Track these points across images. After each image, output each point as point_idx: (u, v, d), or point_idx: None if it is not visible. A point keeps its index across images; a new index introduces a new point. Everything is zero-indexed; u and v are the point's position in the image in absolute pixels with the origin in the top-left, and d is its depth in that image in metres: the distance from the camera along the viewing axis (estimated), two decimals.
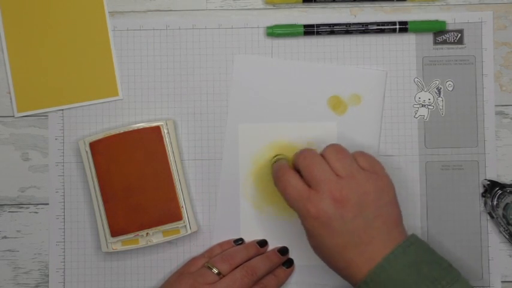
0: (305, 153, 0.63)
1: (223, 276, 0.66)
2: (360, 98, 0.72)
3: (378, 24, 0.72)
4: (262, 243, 0.71)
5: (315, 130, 0.72)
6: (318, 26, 0.72)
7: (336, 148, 0.63)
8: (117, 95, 0.73)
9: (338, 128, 0.72)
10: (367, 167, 0.62)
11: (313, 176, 0.61)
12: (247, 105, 0.72)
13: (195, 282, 0.66)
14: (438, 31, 0.72)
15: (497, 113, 0.72)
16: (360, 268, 0.59)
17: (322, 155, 0.63)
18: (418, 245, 0.60)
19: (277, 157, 0.71)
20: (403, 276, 0.58)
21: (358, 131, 0.72)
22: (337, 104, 0.72)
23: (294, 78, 0.72)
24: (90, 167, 0.70)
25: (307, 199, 0.61)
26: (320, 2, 0.72)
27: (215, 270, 0.67)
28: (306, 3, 0.72)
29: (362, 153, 0.64)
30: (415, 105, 0.72)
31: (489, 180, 0.71)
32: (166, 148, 0.71)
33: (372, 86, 0.72)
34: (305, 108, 0.72)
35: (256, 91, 0.72)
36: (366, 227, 0.60)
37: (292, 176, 0.63)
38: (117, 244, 0.70)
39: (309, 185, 0.62)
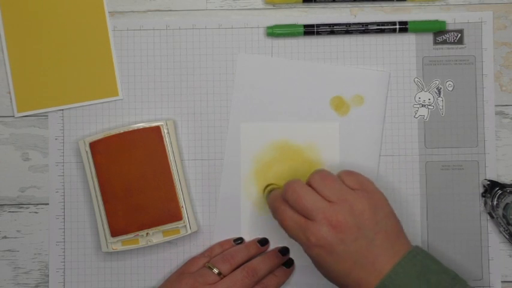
0: (293, 186, 0.62)
1: (224, 276, 0.67)
2: (362, 99, 0.72)
3: (378, 24, 0.72)
4: (263, 242, 0.71)
5: (317, 130, 0.72)
6: (318, 26, 0.72)
7: (320, 175, 0.62)
8: (117, 95, 0.73)
9: (340, 128, 0.72)
10: (356, 186, 0.62)
11: (305, 208, 0.60)
12: (249, 104, 0.72)
13: (196, 282, 0.66)
14: (438, 31, 0.72)
15: (497, 113, 0.72)
16: (371, 284, 0.59)
17: (308, 184, 0.62)
18: (424, 255, 0.60)
19: (269, 187, 0.71)
20: (412, 286, 0.58)
21: (360, 132, 0.72)
22: (339, 105, 0.72)
23: (297, 78, 0.72)
24: (90, 167, 0.70)
25: (305, 229, 0.60)
26: (320, 2, 0.72)
27: (216, 271, 0.67)
28: (306, 3, 0.72)
29: (348, 173, 0.63)
30: (415, 105, 0.72)
31: (489, 180, 0.71)
32: (166, 148, 0.71)
33: (374, 87, 0.72)
34: (308, 108, 0.72)
35: (259, 90, 0.72)
36: (368, 246, 0.59)
37: (287, 207, 0.62)
38: (117, 244, 0.70)
39: (304, 216, 0.61)
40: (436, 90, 0.72)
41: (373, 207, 0.61)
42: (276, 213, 0.64)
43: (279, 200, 0.64)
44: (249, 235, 0.72)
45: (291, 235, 0.62)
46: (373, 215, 0.60)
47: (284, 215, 0.62)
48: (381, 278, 0.58)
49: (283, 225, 0.63)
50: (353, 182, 0.62)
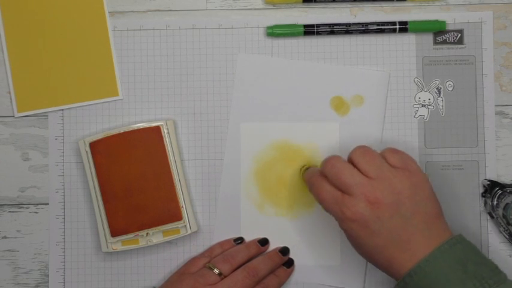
0: (332, 161, 0.62)
1: (225, 276, 0.67)
2: (362, 99, 0.72)
3: (378, 24, 0.72)
4: (263, 242, 0.71)
5: (317, 130, 0.72)
6: (318, 26, 0.72)
7: (362, 150, 0.62)
8: (117, 95, 0.73)
9: (340, 128, 0.72)
10: (399, 164, 0.61)
11: (343, 183, 0.60)
12: (249, 104, 0.72)
13: (196, 282, 0.66)
14: (438, 31, 0.72)
15: (497, 113, 0.72)
16: (403, 264, 0.59)
17: (349, 159, 0.62)
18: (465, 244, 0.59)
19: (306, 166, 0.71)
20: (448, 272, 0.57)
21: (360, 132, 0.72)
22: (339, 105, 0.72)
23: (297, 78, 0.72)
24: (90, 167, 0.70)
25: (341, 203, 0.60)
26: (320, 2, 0.72)
27: (216, 271, 0.67)
28: (306, 3, 0.72)
29: (392, 151, 0.63)
30: (415, 105, 0.72)
31: (489, 180, 0.71)
32: (166, 148, 0.71)
33: (374, 87, 0.72)
34: (308, 108, 0.72)
35: (259, 90, 0.72)
36: (404, 225, 0.59)
37: (324, 181, 0.62)
38: (117, 244, 0.70)
39: (341, 191, 0.61)
40: (436, 90, 0.72)
41: (413, 187, 0.60)
42: (312, 187, 0.64)
43: (317, 175, 0.63)
44: (249, 235, 0.72)
45: (327, 208, 0.62)
46: (413, 195, 0.60)
47: (321, 189, 0.62)
48: (418, 261, 0.58)
49: (319, 198, 0.62)
50: (396, 161, 0.62)
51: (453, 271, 0.57)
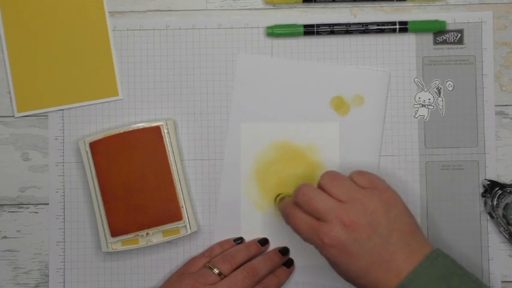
0: (303, 189, 0.62)
1: (225, 276, 0.67)
2: (362, 99, 0.72)
3: (377, 24, 0.72)
4: (263, 242, 0.71)
5: (317, 130, 0.72)
6: (318, 26, 0.72)
7: (330, 176, 0.62)
8: (117, 95, 0.73)
9: (340, 128, 0.72)
10: (367, 184, 0.62)
11: (316, 209, 0.60)
12: (250, 104, 0.72)
13: (196, 282, 0.66)
14: (438, 31, 0.72)
15: (497, 113, 0.72)
16: (388, 285, 0.59)
17: (319, 186, 0.62)
18: (444, 257, 0.60)
19: (280, 196, 0.71)
20: None
21: (360, 132, 0.72)
22: (339, 105, 0.72)
23: (298, 78, 0.72)
24: (90, 167, 0.70)
25: (318, 230, 0.60)
26: (320, 2, 0.72)
27: (216, 271, 0.67)
28: (306, 3, 0.72)
29: (359, 173, 0.63)
30: (415, 105, 0.72)
31: (489, 180, 0.71)
32: (166, 148, 0.71)
33: (374, 87, 0.72)
34: (308, 108, 0.72)
35: (259, 90, 0.72)
36: (383, 244, 0.59)
37: (298, 211, 0.62)
38: (117, 244, 0.70)
39: (316, 219, 0.61)
40: (436, 90, 0.72)
41: (385, 205, 0.60)
42: (288, 218, 0.64)
43: (290, 205, 0.64)
44: (249, 235, 0.72)
45: (305, 238, 0.62)
46: (386, 213, 0.60)
47: (296, 219, 0.62)
48: (401, 279, 0.58)
49: (296, 229, 0.63)
50: (364, 181, 0.62)
51: (438, 287, 0.57)
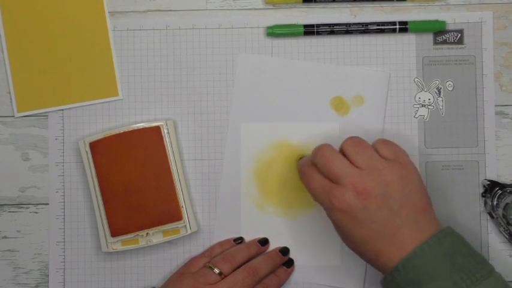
0: (322, 150, 0.62)
1: (225, 276, 0.67)
2: (362, 99, 0.72)
3: (378, 24, 0.72)
4: (264, 242, 0.71)
5: (317, 130, 0.72)
6: (318, 26, 0.72)
7: (354, 141, 0.62)
8: (117, 95, 0.73)
9: (340, 128, 0.72)
10: (390, 155, 0.61)
11: (333, 172, 0.60)
12: (250, 104, 0.72)
13: (196, 282, 0.66)
14: (438, 31, 0.72)
15: (497, 113, 0.72)
16: (390, 257, 0.59)
17: (341, 150, 0.62)
18: (454, 236, 0.59)
19: (301, 155, 0.71)
20: (436, 265, 0.57)
21: (360, 132, 0.71)
22: (340, 105, 0.72)
23: (298, 78, 0.72)
24: (90, 167, 0.70)
25: (329, 192, 0.60)
26: (320, 2, 0.72)
27: (217, 271, 0.67)
28: (306, 3, 0.72)
29: (383, 142, 0.63)
30: (415, 105, 0.72)
31: (489, 180, 0.71)
32: (166, 148, 0.71)
33: (375, 87, 0.72)
34: (308, 108, 0.72)
35: (259, 90, 0.72)
36: (391, 217, 0.59)
37: (315, 171, 0.62)
38: (117, 244, 0.70)
39: (331, 181, 0.61)
40: (436, 90, 0.72)
41: (402, 180, 0.60)
42: (303, 175, 0.64)
43: (308, 164, 0.63)
44: (249, 235, 0.72)
45: (315, 197, 0.62)
46: (402, 187, 0.60)
47: (311, 178, 0.62)
48: (405, 254, 0.58)
49: (309, 187, 0.63)
50: (387, 152, 0.61)
51: (441, 264, 0.57)
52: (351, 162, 0.61)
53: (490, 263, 0.59)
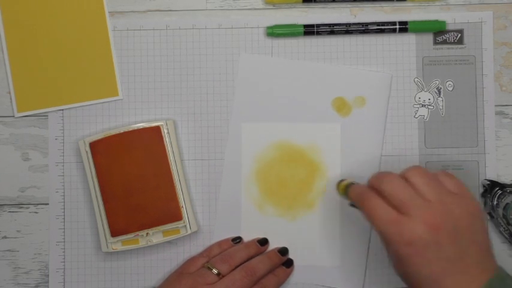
0: (389, 177, 0.58)
1: (223, 276, 0.66)
2: (364, 100, 0.72)
3: (378, 24, 0.72)
4: (263, 242, 0.71)
5: (318, 131, 0.72)
6: (318, 26, 0.72)
7: (419, 171, 0.58)
8: (117, 95, 0.73)
9: (342, 129, 0.72)
10: (456, 190, 0.58)
11: (402, 202, 0.56)
12: (251, 104, 0.72)
13: (195, 282, 0.66)
14: (438, 31, 0.72)
15: (497, 113, 0.72)
16: None
17: (404, 178, 0.58)
18: (510, 278, 0.57)
19: (345, 181, 0.65)
20: None
21: (361, 134, 0.72)
22: (341, 106, 0.72)
23: (300, 78, 0.72)
24: (90, 167, 0.70)
25: (398, 224, 0.56)
26: (320, 2, 0.72)
27: (215, 271, 0.67)
28: (306, 3, 0.72)
29: (447, 175, 0.59)
30: (415, 105, 0.72)
31: (489, 180, 0.71)
32: (166, 148, 0.71)
33: (376, 88, 0.72)
34: (309, 108, 0.72)
35: (261, 90, 0.72)
36: (461, 255, 0.56)
37: (379, 198, 0.58)
38: (117, 244, 0.70)
39: (396, 211, 0.57)
40: (436, 90, 0.72)
41: (471, 216, 0.57)
42: (365, 205, 0.59)
43: (368, 191, 0.59)
44: (249, 235, 0.72)
45: (380, 228, 0.57)
46: (470, 224, 0.57)
47: (376, 206, 0.58)
48: None
49: (373, 216, 0.58)
50: (453, 186, 0.58)
51: None
52: (417, 192, 0.57)
53: None
